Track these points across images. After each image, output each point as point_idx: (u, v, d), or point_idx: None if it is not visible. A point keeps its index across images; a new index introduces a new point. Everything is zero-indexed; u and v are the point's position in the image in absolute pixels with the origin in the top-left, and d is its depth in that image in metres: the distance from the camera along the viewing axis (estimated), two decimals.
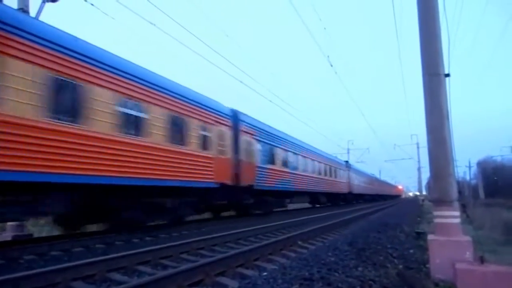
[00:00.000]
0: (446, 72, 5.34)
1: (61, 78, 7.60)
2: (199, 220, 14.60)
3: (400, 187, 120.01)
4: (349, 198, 36.64)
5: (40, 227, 12.17)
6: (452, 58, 5.62)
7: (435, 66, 5.31)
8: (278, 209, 20.92)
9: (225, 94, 23.18)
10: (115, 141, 8.75)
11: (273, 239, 8.08)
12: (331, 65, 18.03)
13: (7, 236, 9.58)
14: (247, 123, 15.77)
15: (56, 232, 10.44)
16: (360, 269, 5.16)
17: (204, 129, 12.43)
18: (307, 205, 28.59)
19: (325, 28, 18.15)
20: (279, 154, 19.06)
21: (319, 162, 26.68)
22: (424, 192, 53.27)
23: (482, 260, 4.22)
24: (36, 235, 10.63)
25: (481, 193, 57.63)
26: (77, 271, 4.97)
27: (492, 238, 8.91)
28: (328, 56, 18.08)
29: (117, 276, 5.17)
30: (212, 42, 13.65)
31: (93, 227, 10.97)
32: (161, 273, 4.83)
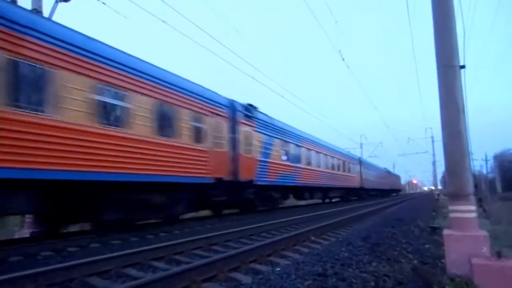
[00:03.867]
0: (461, 63, 5.22)
1: None
2: (206, 218, 14.41)
3: (414, 181, 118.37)
4: (360, 193, 36.19)
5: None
6: (468, 49, 5.50)
7: (450, 58, 5.19)
8: (285, 206, 20.26)
9: (237, 90, 23.23)
10: (94, 133, 8.05)
11: (286, 235, 8.08)
12: (343, 59, 17.86)
13: (25, 233, 9.82)
14: (246, 114, 14.85)
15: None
16: (374, 264, 5.12)
17: (197, 120, 11.68)
18: (317, 200, 27.53)
19: (336, 22, 17.86)
20: (282, 147, 18.13)
21: (327, 155, 25.28)
22: (439, 186, 52.44)
23: (499, 255, 4.13)
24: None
25: (498, 187, 56.52)
26: (93, 267, 5.07)
27: (510, 232, 8.70)
28: (340, 50, 17.90)
29: (132, 271, 5.25)
30: (223, 38, 13.66)
31: (74, 227, 10.36)
32: (175, 269, 4.88)
